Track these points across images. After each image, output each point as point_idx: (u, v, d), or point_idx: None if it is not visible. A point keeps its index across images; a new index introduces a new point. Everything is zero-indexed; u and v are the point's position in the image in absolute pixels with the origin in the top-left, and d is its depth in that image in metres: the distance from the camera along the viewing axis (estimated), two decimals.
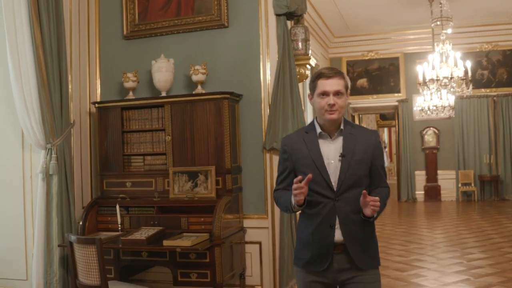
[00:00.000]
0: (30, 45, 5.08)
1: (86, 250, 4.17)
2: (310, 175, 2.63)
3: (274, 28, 5.32)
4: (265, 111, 5.39)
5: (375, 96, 15.45)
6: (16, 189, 5.53)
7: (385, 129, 25.20)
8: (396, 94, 15.31)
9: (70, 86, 5.59)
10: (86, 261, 4.19)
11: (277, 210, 5.29)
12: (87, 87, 5.94)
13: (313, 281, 2.86)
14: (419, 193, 15.23)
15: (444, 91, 11.70)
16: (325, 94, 2.75)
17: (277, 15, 5.28)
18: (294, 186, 2.63)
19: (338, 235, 2.77)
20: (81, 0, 5.82)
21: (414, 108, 14.48)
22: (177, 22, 5.68)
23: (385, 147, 25.13)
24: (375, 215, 2.71)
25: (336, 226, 2.76)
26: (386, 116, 22.24)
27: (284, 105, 5.21)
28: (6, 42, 5.06)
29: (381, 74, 15.40)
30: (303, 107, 5.45)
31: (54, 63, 5.26)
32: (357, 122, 17.68)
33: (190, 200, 5.07)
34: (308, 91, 3.02)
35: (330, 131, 2.85)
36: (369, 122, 22.92)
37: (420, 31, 14.03)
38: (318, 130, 2.86)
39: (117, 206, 5.17)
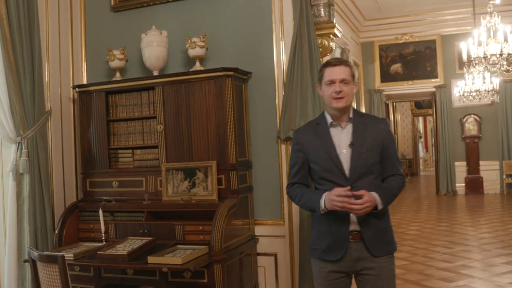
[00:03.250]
0: None
1: (49, 270, 3.25)
2: (349, 188, 2.72)
3: None
4: (280, 92, 4.40)
5: (410, 82, 14.57)
6: None
7: (420, 118, 24.16)
8: (433, 80, 14.36)
9: (47, 68, 4.70)
10: (50, 283, 3.28)
11: (295, 214, 4.30)
12: (70, 69, 5.02)
13: (330, 271, 2.91)
14: (460, 186, 14.25)
15: (487, 74, 10.62)
16: (331, 82, 2.87)
17: None
18: (339, 199, 2.70)
19: (353, 223, 2.83)
20: None
21: (454, 94, 13.53)
22: None
23: (420, 137, 24.17)
24: (379, 207, 2.78)
25: (351, 214, 2.79)
26: (422, 105, 21.50)
27: (302, 84, 4.20)
28: None
29: (417, 59, 14.47)
30: None
31: (24, 42, 4.38)
32: (390, 110, 16.70)
33: (186, 203, 4.10)
34: None
35: (340, 120, 2.94)
36: (403, 111, 22.03)
37: (459, 10, 13.08)
38: (329, 120, 2.95)
39: (100, 212, 4.24)
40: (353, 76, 2.93)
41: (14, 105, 4.27)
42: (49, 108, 4.66)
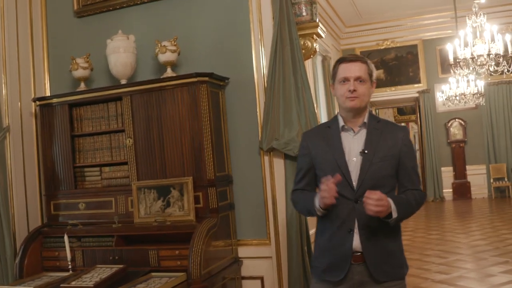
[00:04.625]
0: None
1: None
2: (338, 176, 2.44)
3: None
4: (261, 99, 4.03)
5: (393, 88, 14.48)
6: None
7: (402, 124, 24.04)
8: (416, 85, 14.27)
9: (3, 81, 4.25)
10: None
11: (282, 232, 3.92)
12: (31, 81, 4.59)
13: None
14: (447, 191, 14.06)
15: (472, 77, 10.42)
16: (346, 79, 2.59)
17: None
18: (323, 186, 2.44)
19: (356, 242, 2.55)
20: None
21: (437, 98, 13.44)
22: None
23: None
24: (394, 216, 2.44)
25: (355, 231, 2.54)
26: (404, 111, 21.24)
27: (285, 89, 3.84)
28: None
29: (399, 64, 14.40)
30: (312, 93, 4.07)
31: None
32: None
33: (161, 225, 3.69)
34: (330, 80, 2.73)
35: (353, 124, 2.64)
36: (386, 118, 21.79)
37: (439, 14, 12.94)
38: (341, 123, 2.67)
39: (66, 238, 3.80)
40: (370, 74, 2.63)
41: None
42: (7, 124, 4.22)
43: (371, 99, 12.13)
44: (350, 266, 2.55)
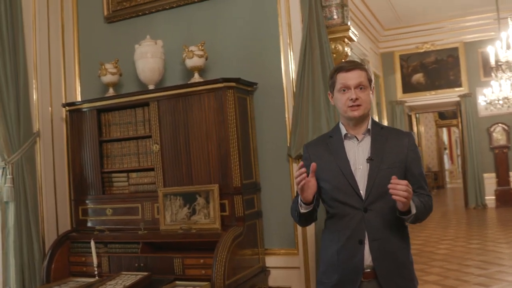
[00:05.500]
0: None
1: None
2: (314, 164, 2.39)
3: None
4: (289, 104, 3.92)
5: (433, 92, 14.06)
6: None
7: (444, 129, 23.55)
8: (457, 89, 13.81)
9: (34, 86, 4.28)
10: None
11: (311, 241, 3.80)
12: (62, 86, 4.61)
13: None
14: (490, 198, 13.57)
15: None
16: (346, 88, 2.52)
17: None
18: (296, 174, 2.35)
19: (367, 254, 2.44)
20: None
21: (479, 103, 13.01)
22: None
23: (445, 149, 23.53)
24: (413, 211, 2.32)
25: (365, 242, 2.43)
26: (445, 115, 20.84)
27: (314, 94, 3.73)
28: None
29: (439, 67, 13.98)
30: None
31: (8, 58, 3.99)
32: (414, 122, 16.17)
33: (186, 233, 3.63)
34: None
35: (356, 132, 2.57)
36: (427, 123, 21.47)
37: (481, 16, 12.53)
38: (344, 132, 2.59)
39: (92, 243, 3.79)
40: (370, 80, 2.56)
41: None
42: (37, 129, 4.25)
43: (410, 103, 11.92)
44: (360, 283, 2.44)
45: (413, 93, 13.79)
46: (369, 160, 2.48)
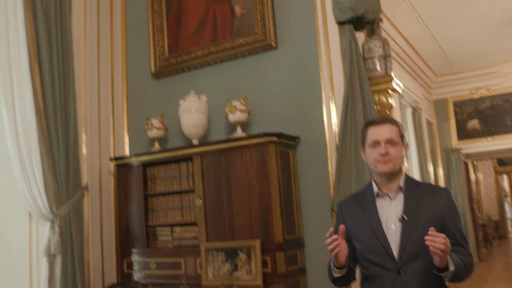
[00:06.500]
0: (30, 92, 3.99)
1: None
2: (342, 226, 2.36)
3: (337, 42, 3.86)
4: (333, 158, 3.86)
5: (489, 139, 13.61)
6: (21, 271, 4.28)
7: (504, 176, 22.65)
8: None
9: (84, 140, 4.41)
10: None
11: None
12: (111, 141, 4.74)
13: None
14: None
15: None
16: (376, 143, 2.47)
17: (340, 23, 3.87)
18: (328, 241, 2.31)
19: None
20: (92, 30, 4.68)
21: None
22: (213, 49, 4.43)
23: (506, 196, 22.59)
24: (451, 268, 2.19)
25: None
26: (505, 161, 20.01)
27: (357, 147, 3.66)
28: None
29: (495, 113, 13.60)
30: None
31: (59, 113, 4.14)
32: (471, 170, 15.65)
33: None
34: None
35: (388, 189, 2.48)
36: (485, 170, 20.74)
37: None
38: (375, 189, 2.50)
39: None
40: (401, 136, 2.50)
41: (47, 180, 3.99)
42: (85, 183, 4.35)
43: (466, 151, 11.59)
44: None
45: (469, 139, 13.39)
46: (402, 219, 2.39)
